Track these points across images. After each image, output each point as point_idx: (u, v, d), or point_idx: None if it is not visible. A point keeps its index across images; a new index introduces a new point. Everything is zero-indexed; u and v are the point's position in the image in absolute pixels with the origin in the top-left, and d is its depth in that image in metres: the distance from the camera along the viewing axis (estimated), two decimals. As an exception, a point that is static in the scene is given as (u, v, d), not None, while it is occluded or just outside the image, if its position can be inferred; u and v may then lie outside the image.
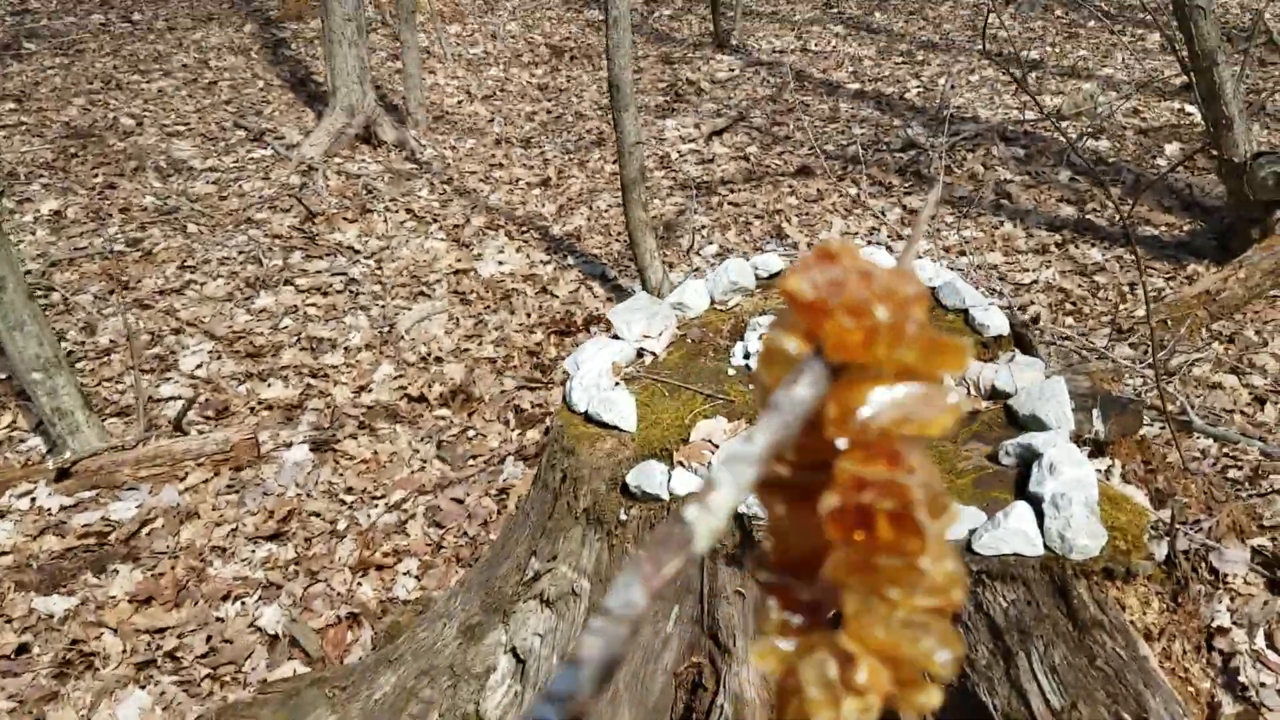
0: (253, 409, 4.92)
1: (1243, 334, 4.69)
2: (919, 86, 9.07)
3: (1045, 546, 1.66)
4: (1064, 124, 7.67)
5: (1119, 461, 1.87)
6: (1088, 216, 6.33)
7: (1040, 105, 2.52)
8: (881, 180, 7.08)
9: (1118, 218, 6.25)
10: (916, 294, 0.41)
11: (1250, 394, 4.16)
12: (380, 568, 3.62)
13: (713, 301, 2.73)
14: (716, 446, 1.98)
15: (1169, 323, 4.76)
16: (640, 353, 2.41)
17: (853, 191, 6.95)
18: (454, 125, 9.08)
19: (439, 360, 5.25)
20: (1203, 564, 1.91)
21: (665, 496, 1.92)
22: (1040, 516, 1.69)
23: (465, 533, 3.70)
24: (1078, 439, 1.92)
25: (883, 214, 6.65)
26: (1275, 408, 4.06)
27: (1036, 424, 1.96)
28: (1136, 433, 1.97)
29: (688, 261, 6.30)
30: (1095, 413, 1.97)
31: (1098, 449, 1.91)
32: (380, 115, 8.39)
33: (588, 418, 2.13)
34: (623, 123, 5.42)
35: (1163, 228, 6.09)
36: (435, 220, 7.07)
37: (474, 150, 8.48)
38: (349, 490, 4.18)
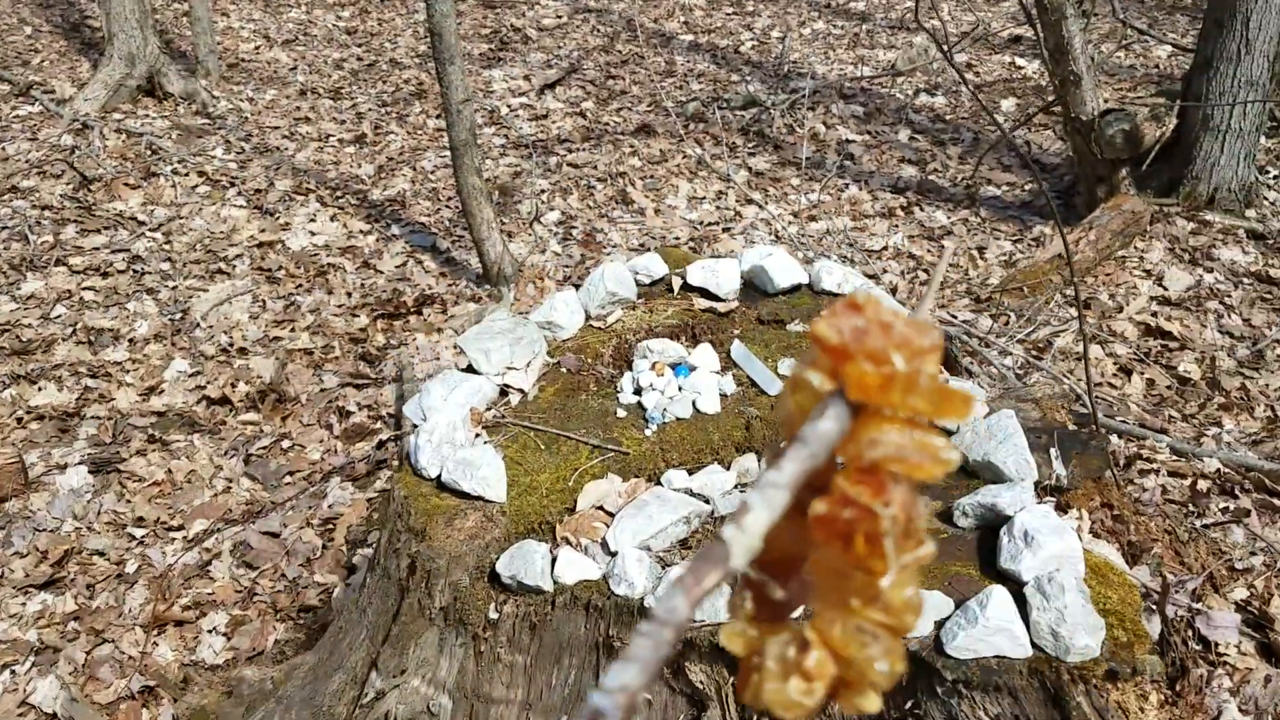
0: (19, 420, 4.11)
1: (1098, 299, 4.66)
2: (752, 39, 8.79)
3: (1033, 644, 1.34)
4: (899, 80, 7.58)
5: (1085, 512, 1.59)
6: (930, 177, 6.23)
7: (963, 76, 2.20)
8: (725, 140, 6.76)
9: (960, 179, 6.18)
10: (931, 346, 0.45)
11: (1115, 364, 4.10)
12: (180, 623, 3.02)
13: (588, 317, 2.31)
14: (612, 516, 1.55)
15: (1025, 290, 4.67)
16: (504, 391, 1.94)
17: (696, 152, 6.60)
18: (251, 74, 8.11)
19: (243, 352, 4.56)
20: (1189, 630, 1.68)
21: (549, 587, 1.48)
22: (1021, 602, 1.37)
23: (283, 575, 3.13)
24: (1039, 488, 1.62)
25: (729, 178, 6.34)
26: (1141, 378, 4.02)
27: (991, 472, 1.65)
28: (1102, 474, 1.70)
29: (528, 231, 5.79)
30: (1054, 453, 1.68)
31: (1060, 500, 1.62)
32: (165, 64, 7.34)
33: (441, 486, 1.65)
34: (448, 77, 4.82)
35: (1004, 187, 6.06)
36: (233, 184, 6.23)
37: (275, 102, 7.58)
38: (139, 521, 3.51)
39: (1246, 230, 5.30)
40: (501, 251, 5.01)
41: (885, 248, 5.46)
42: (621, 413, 1.99)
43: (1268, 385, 4.05)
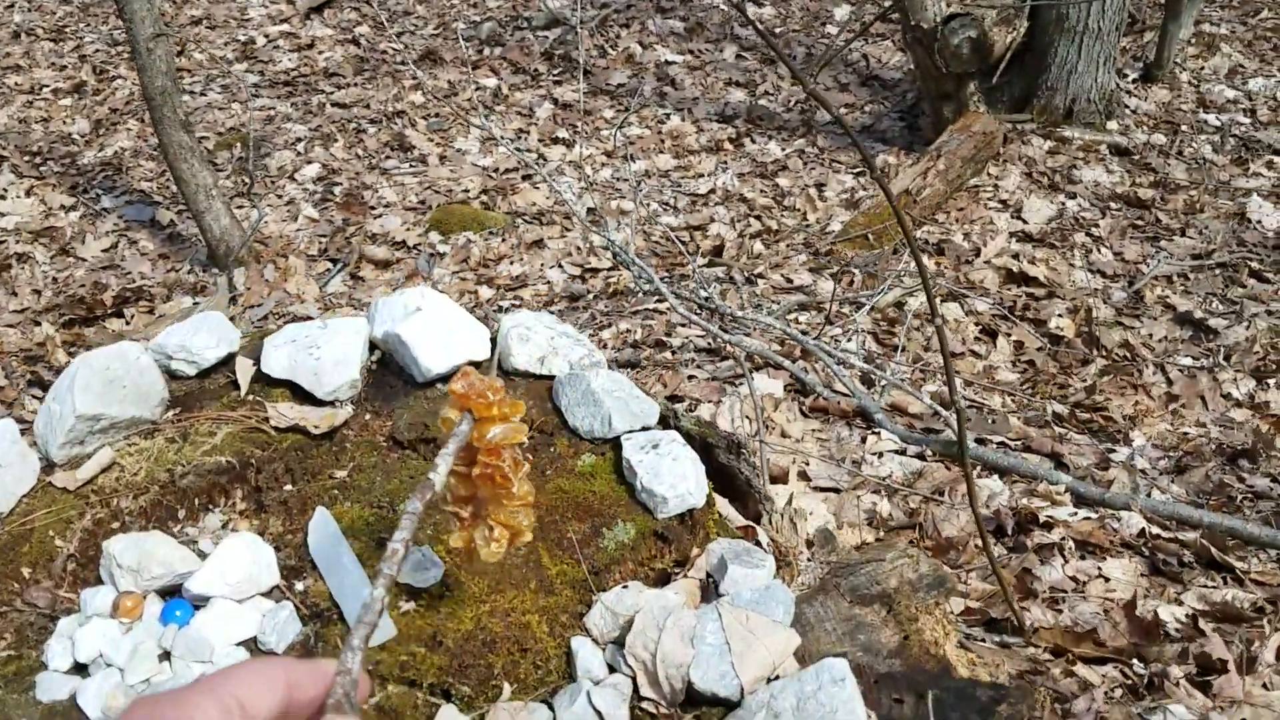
0: None
1: (951, 241, 3.96)
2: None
3: None
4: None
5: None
6: (761, 102, 5.41)
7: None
8: (525, 66, 5.75)
9: (794, 102, 5.38)
10: (500, 387, 1.03)
11: (976, 326, 3.40)
12: None
13: (49, 465, 1.36)
14: None
15: (870, 237, 3.93)
16: None
17: (491, 83, 5.58)
18: (-58, 9, 6.59)
19: None
20: None
21: None
22: None
23: None
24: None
25: (531, 111, 5.36)
26: (1008, 340, 3.33)
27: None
28: None
29: (278, 191, 4.70)
30: None
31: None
32: None
33: None
34: (129, 6, 3.67)
35: (842, 109, 5.29)
36: (-107, 154, 4.90)
37: (-29, 45, 6.13)
38: None
39: (1109, 145, 4.70)
40: (228, 225, 3.94)
41: (713, 191, 4.63)
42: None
43: (1151, 336, 3.43)
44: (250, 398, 1.49)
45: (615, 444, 1.41)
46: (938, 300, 3.50)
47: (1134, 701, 1.42)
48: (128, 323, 3.76)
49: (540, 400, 1.50)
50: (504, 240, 4.40)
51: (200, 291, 3.94)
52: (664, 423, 1.47)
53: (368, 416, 1.48)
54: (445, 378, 1.53)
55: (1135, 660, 1.54)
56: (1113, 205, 4.32)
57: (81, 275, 4.12)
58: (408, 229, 4.46)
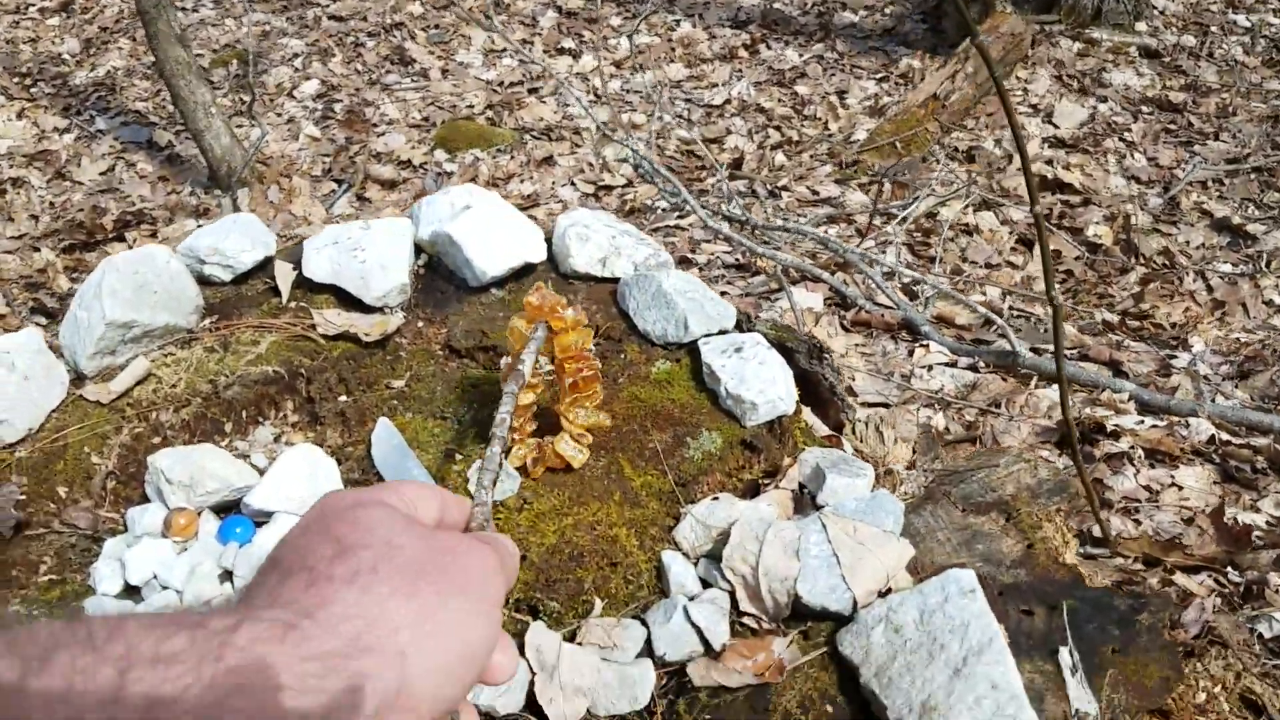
0: None
1: (982, 147, 3.83)
2: None
3: None
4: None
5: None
6: (776, 5, 5.20)
7: None
8: (527, -26, 5.50)
9: (810, 4, 5.17)
10: (565, 305, 1.11)
11: (1011, 234, 3.29)
12: None
13: (79, 378, 1.26)
14: None
15: (898, 145, 3.79)
16: None
17: (491, -9, 5.35)
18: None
19: None
20: None
21: None
22: None
23: None
24: None
25: (534, 20, 5.15)
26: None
27: None
28: (1169, 689, 0.86)
29: (278, 109, 4.52)
30: (1066, 657, 0.83)
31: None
32: None
33: None
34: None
35: (861, 12, 5.09)
36: (-128, 77, 4.69)
37: (-55, -39, 5.84)
38: None
39: (1139, 47, 4.53)
40: (229, 145, 3.78)
41: (728, 101, 4.46)
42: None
43: (1189, 243, 3.33)
44: (292, 304, 1.39)
45: (691, 349, 1.32)
46: (969, 208, 3.39)
47: (1235, 611, 1.36)
48: (130, 246, 3.63)
49: (604, 304, 1.40)
50: (512, 158, 4.24)
51: (204, 214, 3.80)
52: (738, 326, 1.37)
53: (420, 324, 1.38)
54: (500, 282, 1.43)
55: (1229, 568, 1.47)
56: (1144, 109, 4.18)
57: (79, 199, 3.97)
58: (412, 147, 4.30)
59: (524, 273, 1.44)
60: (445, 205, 1.44)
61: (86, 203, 3.93)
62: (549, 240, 1.47)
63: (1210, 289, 3.09)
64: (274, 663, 0.46)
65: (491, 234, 1.39)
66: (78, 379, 1.29)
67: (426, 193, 4.13)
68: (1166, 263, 3.20)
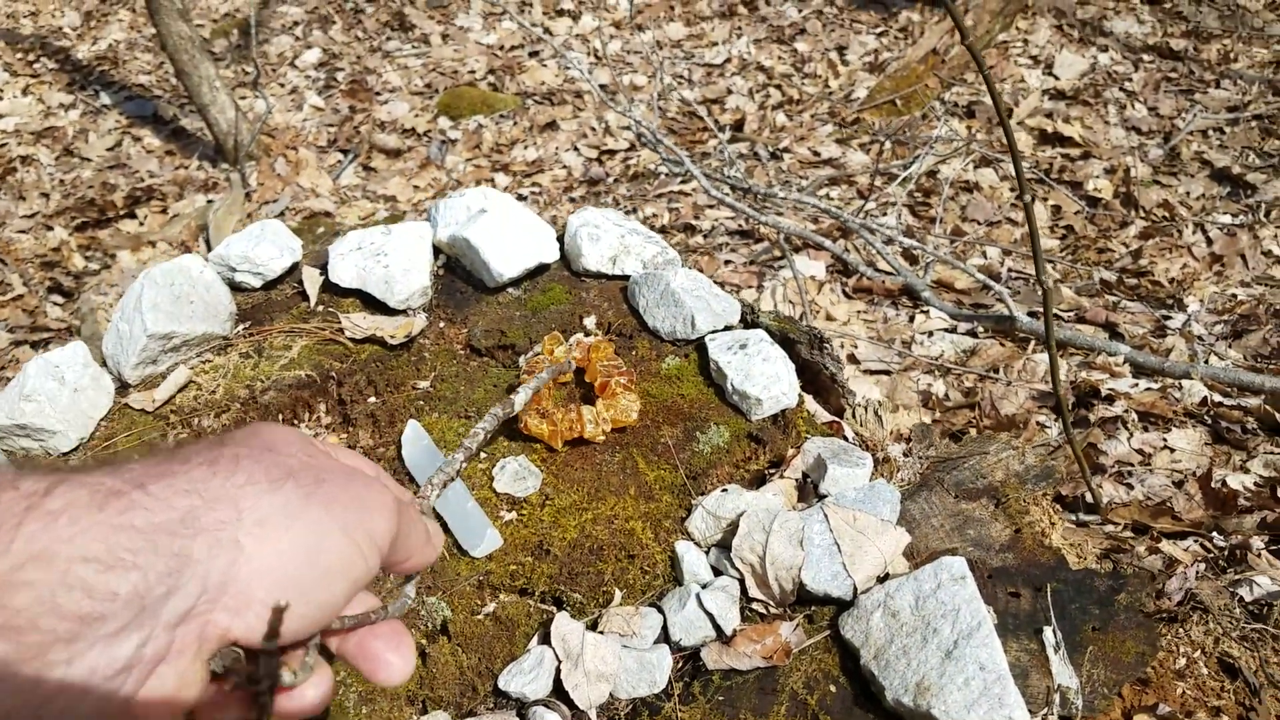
0: None
1: (982, 102, 3.84)
2: None
3: None
4: None
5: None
6: (775, -41, 5.15)
7: None
8: (523, -69, 5.45)
9: (809, -42, 5.11)
10: (597, 344, 1.34)
11: (1011, 190, 3.33)
12: None
13: (124, 386, 1.34)
14: None
15: (898, 103, 3.81)
16: None
17: (488, -49, 5.30)
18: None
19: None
20: None
21: None
22: None
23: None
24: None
25: (531, -20, 5.11)
26: (1045, 206, 3.27)
27: None
28: (1144, 664, 0.94)
29: (280, 79, 4.53)
30: (1050, 635, 0.91)
31: None
32: None
33: None
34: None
35: (859, -34, 5.05)
36: (-125, 57, 4.71)
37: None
38: None
39: (1141, -7, 4.50)
40: (234, 118, 3.81)
41: (728, 60, 4.46)
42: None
43: (1189, 194, 3.37)
44: (320, 309, 1.46)
45: (698, 345, 1.39)
46: (970, 165, 3.42)
47: (1218, 576, 1.44)
48: (141, 223, 3.69)
49: (615, 301, 1.46)
50: (515, 123, 4.27)
51: (212, 189, 3.85)
52: (743, 320, 1.44)
53: (442, 324, 1.45)
54: (515, 282, 1.49)
55: (1214, 533, 1.55)
56: (1145, 57, 4.17)
57: (89, 176, 4.01)
58: (416, 115, 4.32)
59: (538, 272, 1.51)
60: (462, 208, 1.51)
61: (96, 179, 3.98)
62: (561, 240, 1.53)
63: (1210, 241, 3.13)
64: (84, 531, 0.41)
65: (507, 236, 1.45)
66: (122, 388, 1.36)
67: (432, 161, 4.17)
68: (1166, 215, 3.24)
